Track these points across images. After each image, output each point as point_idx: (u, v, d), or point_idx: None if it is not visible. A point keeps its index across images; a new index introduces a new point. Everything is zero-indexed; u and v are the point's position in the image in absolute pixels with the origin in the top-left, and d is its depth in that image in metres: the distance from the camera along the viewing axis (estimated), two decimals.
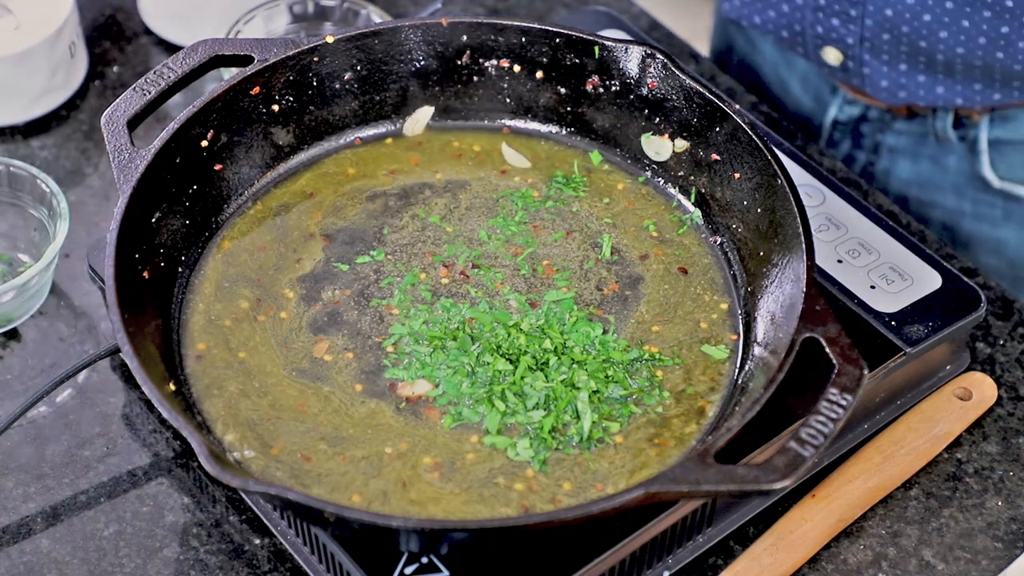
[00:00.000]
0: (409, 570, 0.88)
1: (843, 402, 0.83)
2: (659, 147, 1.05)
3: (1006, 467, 1.01)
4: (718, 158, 1.01)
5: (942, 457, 1.02)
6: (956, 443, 1.03)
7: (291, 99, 1.04)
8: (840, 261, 1.03)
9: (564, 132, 1.08)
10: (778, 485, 0.80)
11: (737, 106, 1.00)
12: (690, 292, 0.99)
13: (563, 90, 1.06)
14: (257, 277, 0.99)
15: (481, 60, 1.06)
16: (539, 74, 1.06)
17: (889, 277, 1.02)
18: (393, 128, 1.08)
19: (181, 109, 1.10)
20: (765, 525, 0.97)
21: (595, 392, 0.93)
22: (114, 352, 1.00)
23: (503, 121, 1.09)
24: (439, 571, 0.88)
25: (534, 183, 1.06)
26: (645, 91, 1.04)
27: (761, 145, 0.97)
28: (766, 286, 0.96)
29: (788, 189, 0.95)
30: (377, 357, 0.95)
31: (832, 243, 1.05)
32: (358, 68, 1.05)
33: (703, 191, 1.03)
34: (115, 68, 1.27)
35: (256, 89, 1.02)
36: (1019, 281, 1.30)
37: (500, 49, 1.06)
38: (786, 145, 1.11)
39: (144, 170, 0.94)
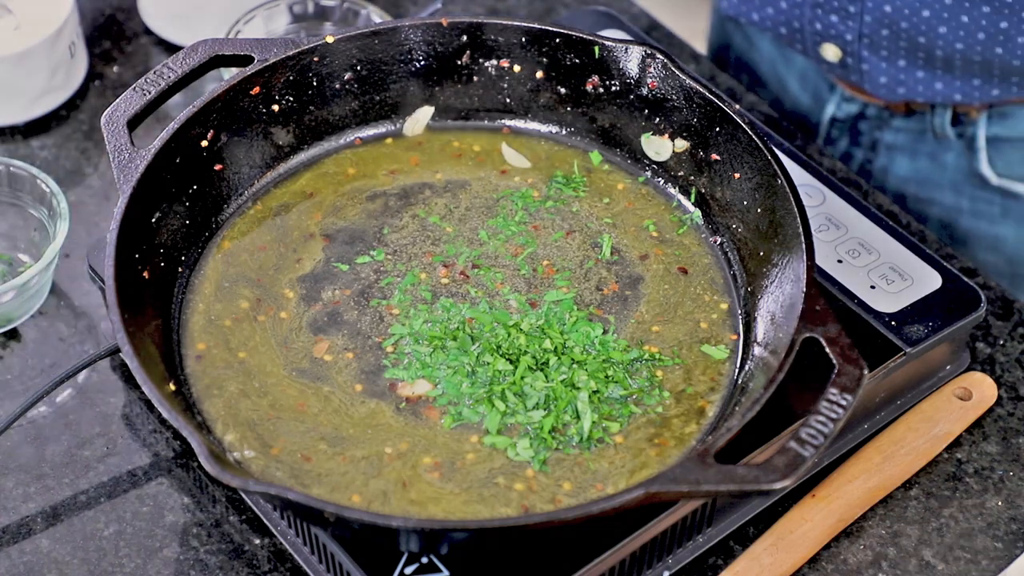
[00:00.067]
0: (409, 570, 0.88)
1: (843, 402, 0.83)
2: (659, 147, 1.05)
3: (1006, 467, 1.01)
4: (718, 158, 1.01)
5: (942, 457, 1.02)
6: (956, 443, 1.03)
7: (291, 99, 1.04)
8: (840, 261, 1.03)
9: (564, 132, 1.08)
10: (778, 485, 0.80)
11: (737, 106, 1.00)
12: (690, 292, 0.99)
13: (563, 90, 1.06)
14: (257, 277, 0.99)
15: (481, 60, 1.06)
16: (539, 74, 1.06)
17: (889, 277, 1.02)
18: (393, 128, 1.08)
19: (181, 109, 1.10)
20: (765, 525, 0.97)
21: (595, 392, 0.93)
22: (114, 352, 1.00)
23: (503, 121, 1.09)
24: (439, 571, 0.88)
25: (534, 183, 1.06)
26: (645, 91, 1.04)
27: (761, 145, 0.97)
28: (766, 286, 0.96)
29: (788, 189, 0.95)
30: (377, 357, 0.95)
31: (832, 243, 1.05)
32: (358, 68, 1.05)
33: (703, 191, 1.03)
34: (115, 68, 1.27)
35: (256, 89, 1.02)
36: (1017, 278, 1.30)
37: (500, 49, 1.06)
38: (786, 145, 1.11)
39: (144, 170, 0.94)
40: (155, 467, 1.00)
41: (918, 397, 1.03)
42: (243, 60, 1.01)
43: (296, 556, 0.94)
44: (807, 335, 0.86)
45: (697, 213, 1.04)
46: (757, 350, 0.94)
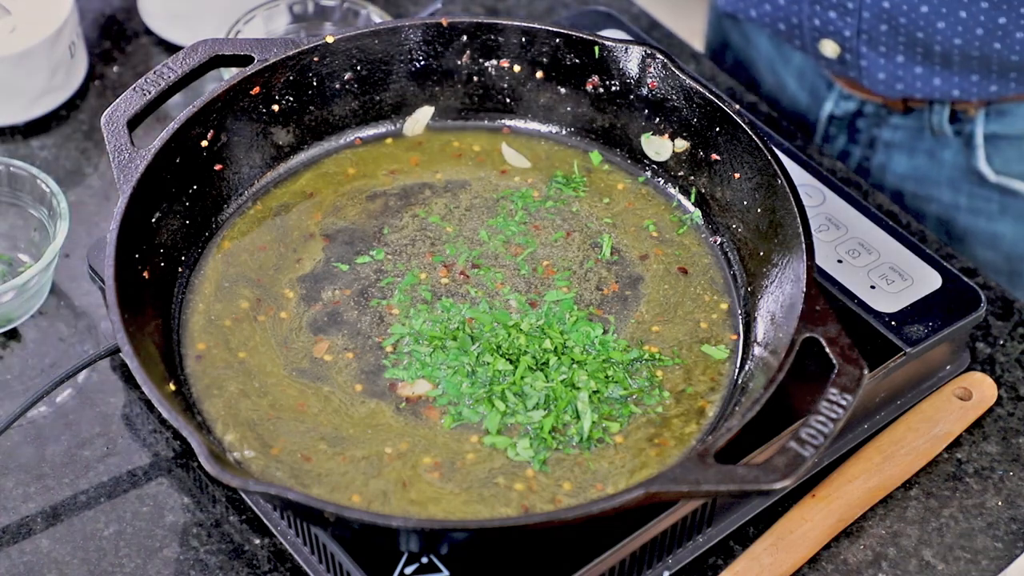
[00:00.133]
0: (409, 570, 0.88)
1: (843, 402, 0.83)
2: (659, 147, 1.05)
3: (1006, 467, 1.01)
4: (718, 158, 1.01)
5: (942, 457, 1.02)
6: (956, 443, 1.03)
7: (291, 99, 1.04)
8: (840, 261, 1.03)
9: (564, 132, 1.08)
10: (778, 485, 0.80)
11: (737, 106, 1.00)
12: (690, 292, 0.99)
13: (563, 90, 1.06)
14: (257, 277, 0.99)
15: (481, 60, 1.06)
16: (539, 74, 1.06)
17: (889, 277, 1.02)
18: (393, 128, 1.08)
19: (181, 109, 1.10)
20: (765, 525, 0.97)
21: (595, 392, 0.93)
22: (114, 352, 1.00)
23: (503, 121, 1.09)
24: (439, 571, 0.88)
25: (534, 183, 1.06)
26: (645, 91, 1.04)
27: (761, 145, 0.97)
28: (766, 286, 0.96)
29: (788, 189, 0.95)
30: (377, 357, 0.95)
31: (832, 243, 1.05)
32: (358, 68, 1.05)
33: (703, 191, 1.03)
34: (115, 68, 1.27)
35: (256, 89, 1.02)
36: (1015, 275, 1.30)
37: (500, 49, 1.06)
38: (786, 145, 1.11)
39: (144, 170, 0.94)
40: (155, 467, 1.00)
41: (918, 397, 1.03)
42: (243, 60, 1.01)
43: (296, 556, 0.94)
44: (807, 335, 0.86)
45: (697, 213, 1.04)
46: (757, 350, 0.94)
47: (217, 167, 1.01)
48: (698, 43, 1.47)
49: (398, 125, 1.08)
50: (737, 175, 1.00)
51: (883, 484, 0.98)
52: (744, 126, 0.99)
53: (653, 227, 1.03)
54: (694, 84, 1.01)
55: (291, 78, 1.03)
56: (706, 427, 0.92)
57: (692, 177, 1.04)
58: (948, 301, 1.01)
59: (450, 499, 0.88)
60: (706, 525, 0.95)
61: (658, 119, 1.04)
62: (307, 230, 1.02)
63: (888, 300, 1.01)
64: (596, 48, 1.04)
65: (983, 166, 1.26)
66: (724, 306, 0.99)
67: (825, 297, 0.91)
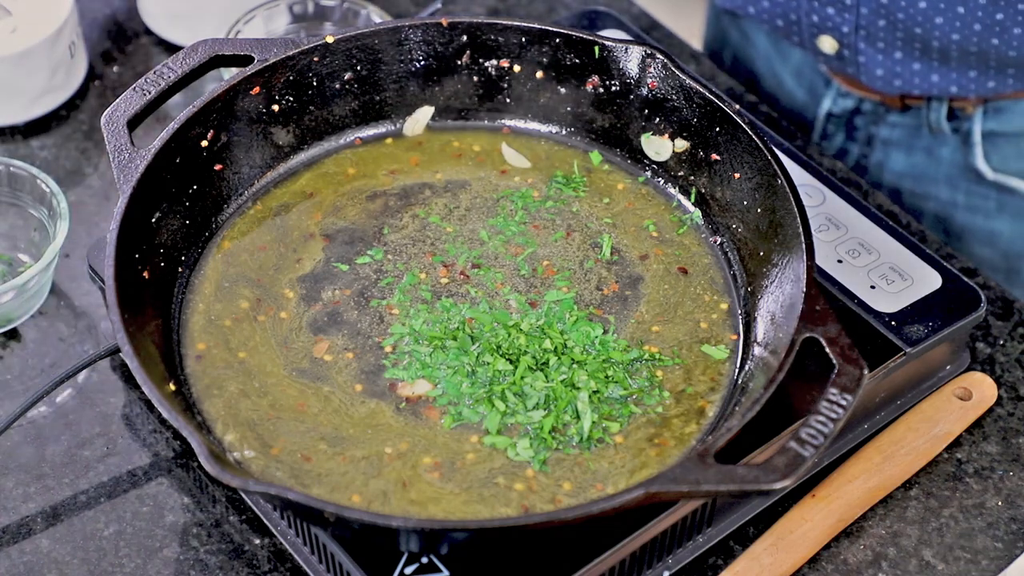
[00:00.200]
0: (409, 570, 0.88)
1: (843, 402, 0.83)
2: (659, 147, 1.05)
3: (1006, 467, 1.01)
4: (718, 158, 1.01)
5: (942, 457, 1.02)
6: (956, 443, 1.03)
7: (291, 99, 1.04)
8: (840, 261, 1.03)
9: (564, 132, 1.08)
10: (778, 485, 0.80)
11: (737, 106, 1.00)
12: (690, 292, 0.99)
13: (563, 90, 1.06)
14: (257, 277, 0.99)
15: (481, 60, 1.06)
16: (539, 74, 1.06)
17: (889, 277, 1.02)
18: (393, 128, 1.08)
19: (181, 109, 1.10)
20: (765, 525, 0.97)
21: (595, 392, 0.93)
22: (114, 352, 1.00)
23: (503, 121, 1.09)
24: (439, 571, 0.88)
25: (534, 183, 1.06)
26: (645, 91, 1.04)
27: (761, 145, 0.97)
28: (766, 286, 0.96)
29: (788, 189, 0.95)
30: (377, 357, 0.95)
31: (832, 243, 1.05)
32: (358, 68, 1.05)
33: (703, 191, 1.03)
34: (115, 68, 1.27)
35: (256, 89, 1.02)
36: (1012, 273, 1.30)
37: (500, 49, 1.06)
38: (786, 145, 1.11)
39: (144, 170, 0.94)
40: (155, 467, 1.00)
41: (918, 397, 1.03)
42: (243, 60, 1.01)
43: (296, 556, 0.94)
44: (807, 335, 0.86)
45: (697, 213, 1.04)
46: (757, 350, 0.94)
47: (217, 167, 1.01)
48: (697, 43, 1.47)
49: (398, 125, 1.08)
50: (737, 175, 1.00)
51: (883, 484, 0.98)
52: (744, 126, 0.99)
53: (653, 227, 1.03)
54: (694, 84, 1.01)
55: (291, 78, 1.03)
56: (706, 427, 0.92)
57: (692, 177, 1.04)
58: (948, 301, 1.01)
59: (450, 499, 0.88)
60: (706, 525, 0.95)
61: (658, 119, 1.04)
62: (307, 230, 1.02)
63: (888, 300, 1.01)
64: (596, 48, 1.04)
65: (981, 164, 1.26)
66: (724, 306, 0.99)
67: (825, 297, 0.91)
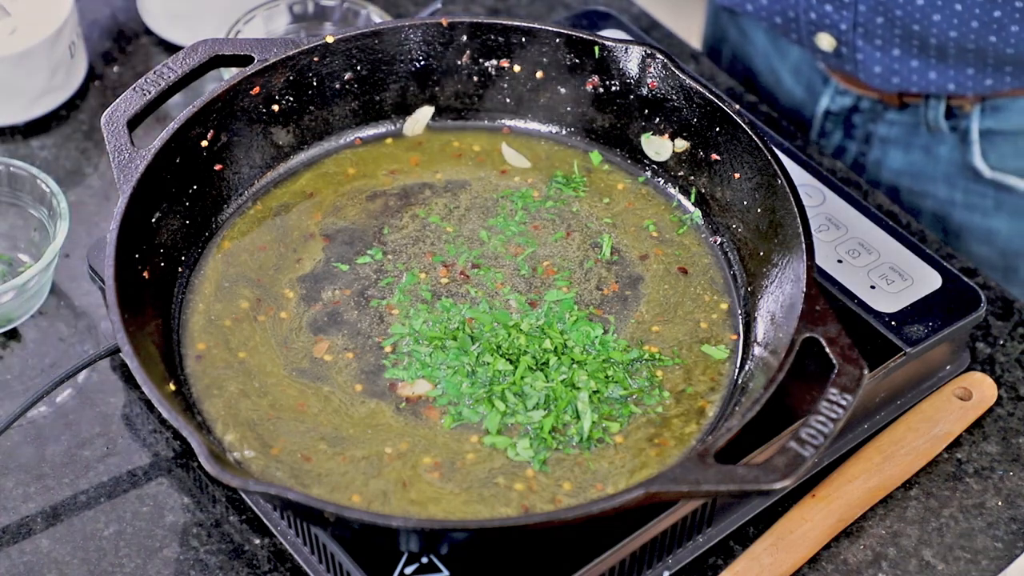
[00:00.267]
0: (409, 570, 0.88)
1: (843, 402, 0.83)
2: (659, 147, 1.05)
3: (1006, 467, 1.01)
4: (718, 158, 1.01)
5: (942, 457, 1.02)
6: (956, 443, 1.03)
7: (291, 99, 1.04)
8: (840, 261, 1.03)
9: (564, 132, 1.08)
10: (778, 485, 0.80)
11: (737, 106, 1.00)
12: (690, 292, 0.99)
13: (563, 90, 1.06)
14: (257, 277, 0.99)
15: (481, 60, 1.06)
16: (539, 74, 1.06)
17: (889, 277, 1.02)
18: (393, 128, 1.08)
19: (181, 109, 1.10)
20: (765, 525, 0.97)
21: (595, 392, 0.93)
22: (114, 352, 1.00)
23: (503, 121, 1.09)
24: (439, 571, 0.88)
25: (534, 183, 1.06)
26: (645, 91, 1.04)
27: (761, 145, 0.97)
28: (766, 286, 0.96)
29: (788, 189, 0.95)
30: (377, 357, 0.95)
31: (832, 243, 1.05)
32: (358, 68, 1.05)
33: (703, 191, 1.03)
34: (115, 68, 1.27)
35: (256, 89, 1.02)
36: (1010, 271, 1.30)
37: (500, 49, 1.06)
38: (786, 145, 1.11)
39: (144, 170, 0.94)
40: (155, 467, 1.00)
41: (918, 397, 1.03)
42: (243, 60, 1.01)
43: (296, 556, 0.94)
44: (807, 335, 0.86)
45: (697, 213, 1.04)
46: (757, 350, 0.94)
47: (217, 167, 1.01)
48: (697, 42, 1.47)
49: (398, 125, 1.08)
50: (737, 175, 1.00)
51: (883, 484, 0.98)
52: (744, 126, 0.99)
53: (653, 227, 1.03)
54: (694, 84, 1.01)
55: (291, 78, 1.03)
56: (706, 427, 0.92)
57: (692, 177, 1.04)
58: (948, 301, 1.01)
59: (450, 499, 0.88)
60: (706, 525, 0.95)
61: (658, 119, 1.04)
62: (307, 230, 1.02)
63: (888, 300, 1.01)
64: (596, 48, 1.04)
65: (978, 162, 1.26)
66: (724, 306, 0.99)
67: (825, 297, 0.91)
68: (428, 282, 0.99)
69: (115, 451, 1.01)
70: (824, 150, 1.25)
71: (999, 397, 1.05)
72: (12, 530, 0.97)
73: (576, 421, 0.92)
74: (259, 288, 0.99)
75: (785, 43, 1.33)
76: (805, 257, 0.91)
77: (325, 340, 0.96)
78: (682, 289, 1.00)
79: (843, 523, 0.97)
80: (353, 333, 0.96)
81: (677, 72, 1.02)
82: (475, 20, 1.05)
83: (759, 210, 0.98)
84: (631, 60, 1.03)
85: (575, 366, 0.94)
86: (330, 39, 1.03)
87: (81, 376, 1.05)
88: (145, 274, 0.94)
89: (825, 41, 1.23)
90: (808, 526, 0.96)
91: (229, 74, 1.14)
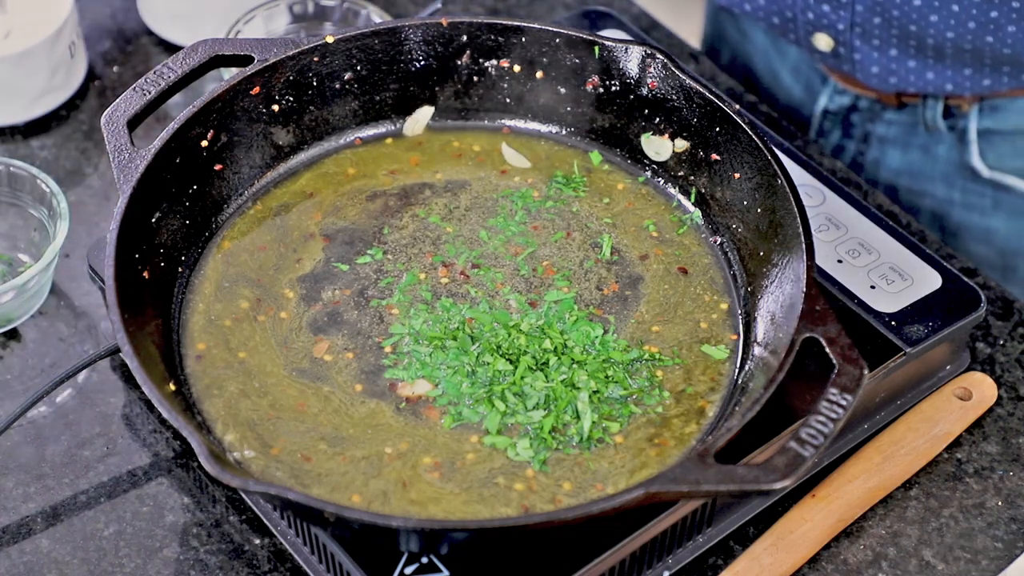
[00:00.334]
0: (409, 570, 0.88)
1: (843, 402, 0.83)
2: (659, 147, 1.05)
3: (1006, 467, 1.01)
4: (718, 158, 1.01)
5: (942, 457, 1.02)
6: (956, 443, 1.03)
7: (291, 99, 1.04)
8: (840, 261, 1.03)
9: (564, 132, 1.08)
10: (778, 485, 0.80)
11: (737, 106, 1.00)
12: (690, 292, 0.99)
13: (563, 90, 1.06)
14: (257, 277, 0.99)
15: (481, 60, 1.06)
16: (539, 74, 1.06)
17: (889, 277, 1.02)
18: (393, 128, 1.08)
19: (181, 109, 1.10)
20: (765, 525, 0.97)
21: (595, 392, 0.93)
22: (114, 352, 1.00)
23: (503, 121, 1.09)
24: (439, 571, 0.88)
25: (534, 183, 1.06)
26: (645, 91, 1.04)
27: (761, 145, 0.97)
28: (766, 286, 0.96)
29: (788, 189, 0.95)
30: (377, 357, 0.95)
31: (832, 243, 1.05)
32: (358, 68, 1.05)
33: (703, 191, 1.03)
34: (115, 68, 1.27)
35: (256, 89, 1.02)
36: (1009, 270, 1.31)
37: (500, 49, 1.06)
38: (786, 145, 1.11)
39: (144, 170, 0.94)
40: (155, 467, 1.00)
41: (918, 397, 1.03)
42: (243, 60, 1.01)
43: (296, 556, 0.94)
44: (807, 335, 0.86)
45: (697, 213, 1.04)
46: (757, 350, 0.94)
47: (217, 167, 1.01)
48: (697, 42, 1.47)
49: (398, 125, 1.08)
50: (737, 175, 1.00)
51: (883, 484, 0.98)
52: (744, 126, 0.99)
53: (653, 227, 1.03)
54: (694, 84, 1.01)
55: (291, 78, 1.03)
56: (706, 427, 0.92)
57: (692, 177, 1.04)
58: (948, 301, 1.01)
59: (450, 499, 0.88)
60: (706, 525, 0.95)
61: (658, 119, 1.04)
62: (307, 230, 1.02)
63: (888, 300, 1.01)
64: (596, 48, 1.04)
65: (976, 161, 1.26)
66: (724, 306, 0.99)
67: (825, 297, 0.91)
68: (428, 282, 0.99)
69: (115, 451, 1.01)
70: (823, 149, 1.25)
71: (999, 397, 1.05)
72: (12, 530, 0.97)
73: (576, 421, 0.92)
74: (259, 288, 0.99)
75: (784, 43, 1.33)
76: (805, 257, 0.91)
77: (325, 340, 0.96)
78: (682, 289, 1.00)
79: (843, 523, 0.97)
80: (353, 333, 0.96)
81: (677, 72, 1.02)
82: (475, 20, 1.05)
83: (759, 210, 0.98)
84: (631, 60, 1.03)
85: (575, 366, 0.94)
86: (330, 39, 1.03)
87: (81, 376, 1.05)
88: (145, 274, 0.94)
89: (823, 41, 1.23)
90: (808, 526, 0.96)
91: (229, 74, 1.14)
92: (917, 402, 1.03)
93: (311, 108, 1.05)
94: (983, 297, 1.01)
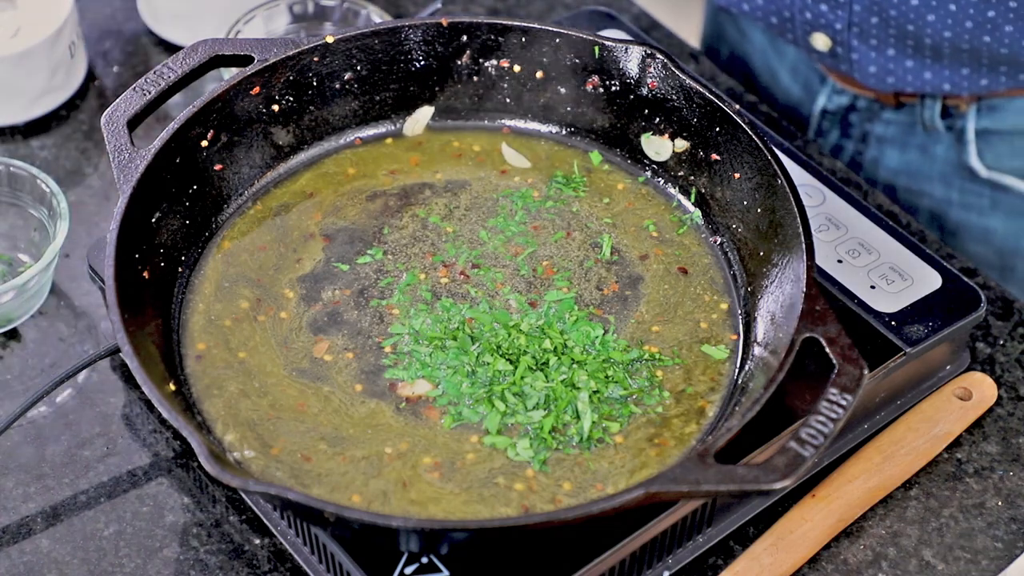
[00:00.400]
0: (409, 570, 0.88)
1: (843, 402, 0.83)
2: (659, 147, 1.05)
3: (1006, 467, 1.01)
4: (718, 158, 1.01)
5: (942, 457, 1.02)
6: (956, 443, 1.03)
7: (291, 99, 1.04)
8: (840, 261, 1.03)
9: (564, 132, 1.08)
10: (778, 485, 0.80)
11: (737, 106, 1.00)
12: (690, 292, 0.99)
13: (563, 90, 1.06)
14: (257, 277, 0.99)
15: (481, 60, 1.06)
16: (539, 74, 1.06)
17: (889, 277, 1.02)
18: (393, 128, 1.08)
19: (181, 109, 1.10)
20: (765, 525, 0.97)
21: (595, 392, 0.93)
22: (114, 352, 1.00)
23: (503, 121, 1.09)
24: (439, 571, 0.88)
25: (534, 183, 1.06)
26: (645, 91, 1.04)
27: (761, 145, 0.97)
28: (766, 286, 0.96)
29: (788, 189, 0.95)
30: (377, 357, 0.95)
31: (832, 243, 1.05)
32: (358, 68, 1.05)
33: (703, 191, 1.03)
34: (115, 68, 1.27)
35: (256, 89, 1.02)
36: (1006, 270, 1.31)
37: (500, 49, 1.06)
38: (786, 145, 1.11)
39: (144, 170, 0.94)
40: (155, 467, 1.00)
41: (918, 397, 1.03)
42: (243, 60, 1.01)
43: (296, 556, 0.94)
44: (807, 335, 0.86)
45: (697, 213, 1.04)
46: (757, 350, 0.94)
47: (217, 167, 1.01)
48: (697, 42, 1.47)
49: (398, 125, 1.08)
50: (737, 175, 1.00)
51: (883, 484, 0.98)
52: (744, 126, 0.99)
53: (653, 227, 1.03)
54: (694, 84, 1.01)
55: (291, 78, 1.03)
56: (706, 427, 0.92)
57: (692, 177, 1.04)
58: (948, 301, 1.01)
59: (450, 499, 0.88)
60: (706, 525, 0.95)
61: (658, 119, 1.04)
62: (307, 230, 1.02)
63: (888, 300, 1.01)
64: (596, 48, 1.04)
65: (974, 161, 1.26)
66: (724, 306, 0.99)
67: (825, 297, 0.91)
68: (428, 282, 0.99)
69: (115, 451, 1.01)
70: (821, 149, 1.25)
71: (999, 397, 1.05)
72: (12, 530, 0.97)
73: (576, 421, 0.92)
74: (259, 288, 0.99)
75: (782, 42, 1.33)
76: (805, 257, 0.91)
77: (325, 340, 0.96)
78: (682, 289, 1.00)
79: (843, 523, 0.97)
80: (353, 333, 0.96)
81: (677, 72, 1.02)
82: (475, 20, 1.05)
83: (759, 210, 0.98)
84: (631, 60, 1.03)
85: (575, 366, 0.94)
86: (330, 39, 1.03)
87: (81, 376, 1.05)
88: (145, 274, 0.94)
89: (820, 41, 1.23)
90: (808, 526, 0.96)
91: (229, 74, 1.14)
92: (917, 402, 1.03)
93: (311, 108, 1.05)
94: (983, 297, 1.01)
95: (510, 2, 1.35)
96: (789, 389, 0.86)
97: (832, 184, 1.08)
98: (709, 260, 1.01)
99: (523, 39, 1.05)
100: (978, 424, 1.04)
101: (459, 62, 1.06)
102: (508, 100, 1.08)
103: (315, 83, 1.04)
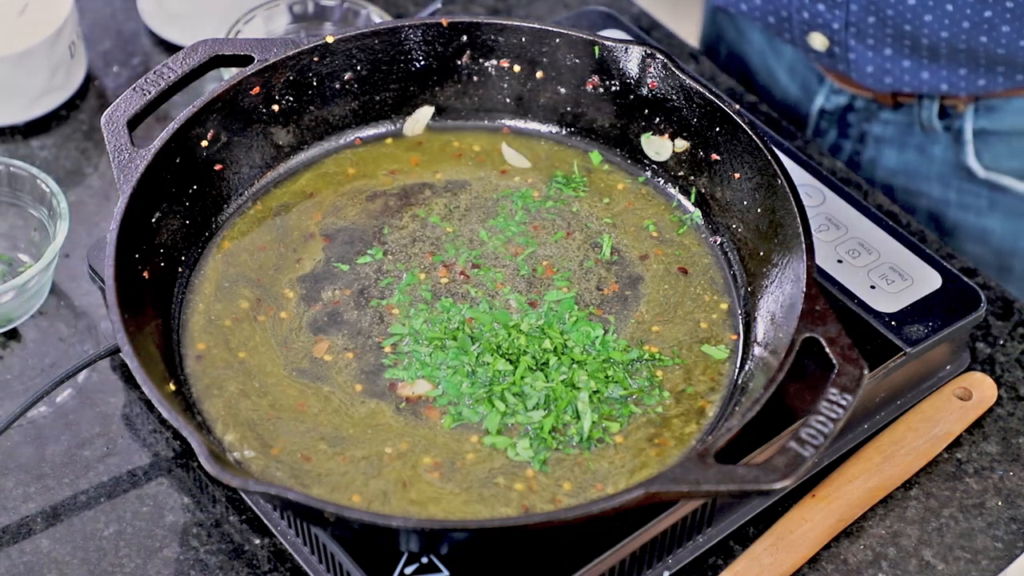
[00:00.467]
0: (409, 570, 0.88)
1: (843, 402, 0.83)
2: (659, 147, 1.05)
3: (1006, 467, 1.01)
4: (718, 158, 1.01)
5: (942, 457, 1.02)
6: (956, 443, 1.03)
7: (291, 99, 1.04)
8: (840, 261, 1.03)
9: (564, 132, 1.08)
10: (778, 485, 0.80)
11: (737, 106, 1.00)
12: (690, 292, 0.99)
13: (563, 90, 1.06)
14: (257, 277, 0.99)
15: (481, 60, 1.06)
16: (539, 74, 1.06)
17: (889, 277, 1.02)
18: (393, 128, 1.08)
19: (181, 109, 1.10)
20: (765, 525, 0.97)
21: (595, 392, 0.93)
22: (114, 352, 1.00)
23: (503, 121, 1.09)
24: (439, 571, 0.88)
25: (534, 183, 1.06)
26: (645, 91, 1.04)
27: (761, 145, 0.97)
28: (766, 286, 0.96)
29: (788, 189, 0.95)
30: (377, 357, 0.95)
31: (832, 243, 1.05)
32: (358, 68, 1.05)
33: (703, 191, 1.03)
34: (115, 68, 1.27)
35: (256, 89, 1.02)
36: (1004, 270, 1.31)
37: (500, 49, 1.06)
38: (786, 145, 1.11)
39: (144, 170, 0.94)
40: (155, 467, 1.00)
41: (918, 397, 1.03)
42: (243, 60, 1.01)
43: (296, 556, 0.94)
44: (807, 335, 0.86)
45: (697, 213, 1.04)
46: (757, 350, 0.94)
47: (217, 167, 1.01)
48: (696, 42, 1.47)
49: (398, 125, 1.08)
50: (737, 175, 1.00)
51: (883, 484, 0.98)
52: (744, 126, 0.99)
53: (653, 227, 1.03)
54: (694, 84, 1.01)
55: (291, 78, 1.03)
56: (706, 427, 0.92)
57: (692, 177, 1.04)
58: (948, 301, 1.01)
59: (450, 499, 0.88)
60: (706, 525, 0.95)
61: (658, 119, 1.04)
62: (307, 230, 1.02)
63: (888, 300, 1.01)
64: (596, 48, 1.04)
65: (972, 162, 1.26)
66: (724, 306, 0.99)
67: (825, 297, 0.91)
68: (428, 282, 0.99)
69: (115, 451, 1.01)
70: (819, 148, 1.25)
71: (999, 397, 1.05)
72: (12, 530, 0.97)
73: (576, 421, 0.92)
74: (259, 288, 0.99)
75: (780, 42, 1.33)
76: (805, 257, 0.91)
77: (325, 340, 0.96)
78: (682, 289, 1.00)
79: (843, 523, 0.97)
80: (353, 333, 0.96)
81: (677, 72, 1.02)
82: (475, 20, 1.05)
83: (759, 210, 0.98)
84: (631, 60, 1.03)
85: (575, 366, 0.94)
86: (330, 39, 1.03)
87: (81, 376, 1.05)
88: (145, 274, 0.94)
89: (818, 41, 1.24)
90: (808, 526, 0.96)
91: (229, 74, 1.14)
92: (917, 402, 1.03)
93: (311, 108, 1.05)
94: (983, 297, 1.01)
95: (510, 2, 1.35)
96: (789, 389, 0.86)
97: (832, 184, 1.08)
98: (709, 260, 1.01)
99: (523, 39, 1.05)
100: (978, 424, 1.04)
101: (459, 62, 1.06)
102: (508, 100, 1.08)
103: (315, 83, 1.04)
